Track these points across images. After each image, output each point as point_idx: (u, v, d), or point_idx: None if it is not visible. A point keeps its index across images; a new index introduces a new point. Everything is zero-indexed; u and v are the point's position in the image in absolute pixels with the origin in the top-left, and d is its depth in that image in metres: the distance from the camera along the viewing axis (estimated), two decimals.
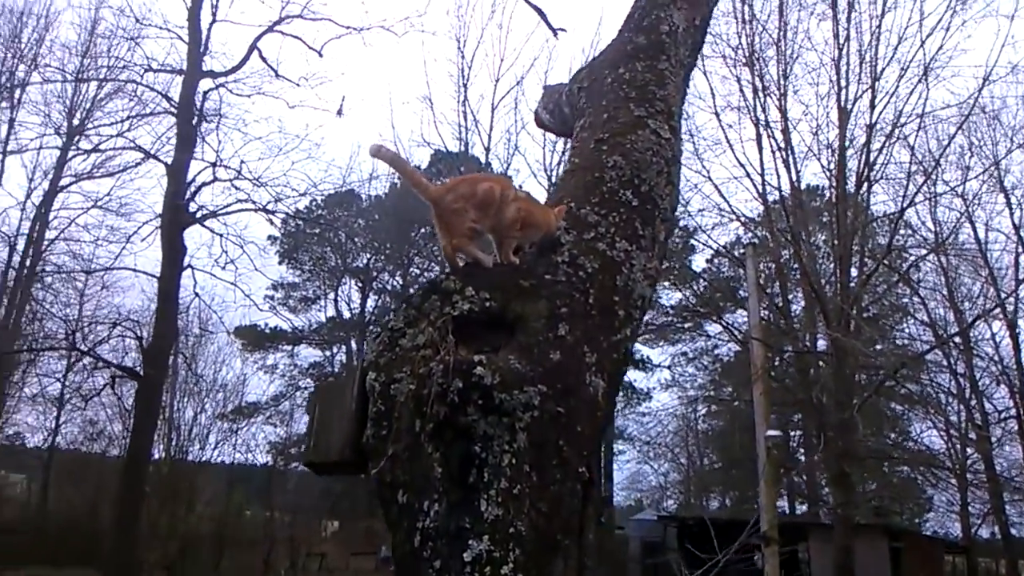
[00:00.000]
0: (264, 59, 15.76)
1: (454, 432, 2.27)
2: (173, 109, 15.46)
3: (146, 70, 16.55)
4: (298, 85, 16.01)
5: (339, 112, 15.18)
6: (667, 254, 3.25)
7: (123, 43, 17.19)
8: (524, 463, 2.26)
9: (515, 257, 2.75)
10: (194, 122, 15.08)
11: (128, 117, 18.39)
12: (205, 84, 15.09)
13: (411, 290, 2.54)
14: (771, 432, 16.15)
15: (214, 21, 15.66)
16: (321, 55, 15.76)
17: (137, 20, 15.24)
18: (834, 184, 17.61)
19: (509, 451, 2.26)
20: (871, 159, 17.20)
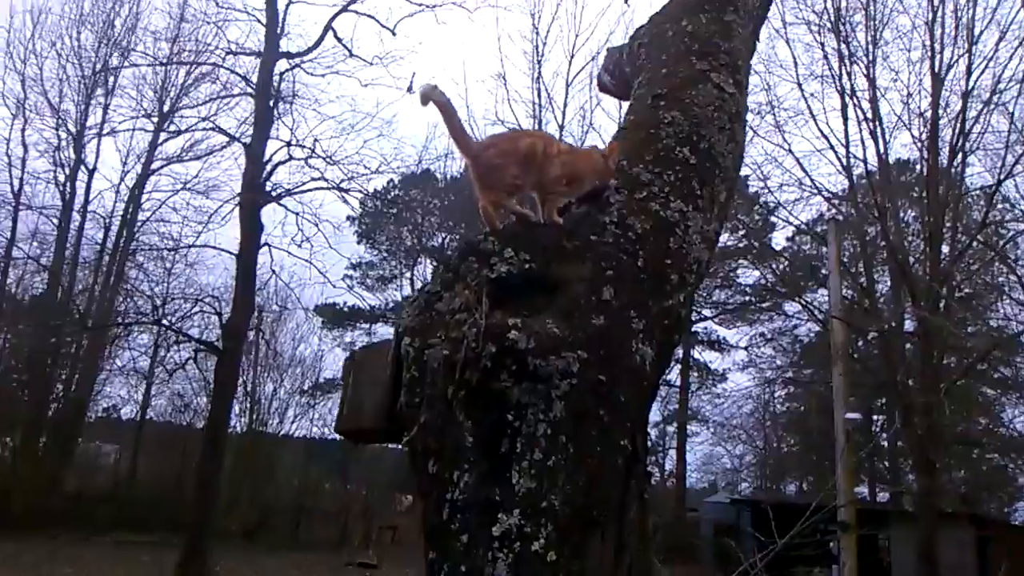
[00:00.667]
0: (339, 39, 15.92)
1: (487, 399, 2.13)
2: (251, 91, 15.77)
3: (227, 53, 16.94)
4: (371, 64, 16.10)
5: (409, 89, 15.18)
6: (728, 215, 3.02)
7: (207, 28, 17.62)
8: (561, 434, 2.10)
9: (559, 218, 2.58)
10: (271, 103, 15.35)
11: (210, 99, 18.91)
12: (281, 65, 15.36)
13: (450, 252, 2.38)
14: (851, 415, 15.53)
15: (290, 2, 15.86)
16: (395, 33, 15.80)
17: (218, 5, 15.56)
18: (926, 156, 16.66)
19: (544, 420, 2.11)
20: (966, 128, 16.20)
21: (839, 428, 15.52)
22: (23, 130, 24.01)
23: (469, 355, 2.16)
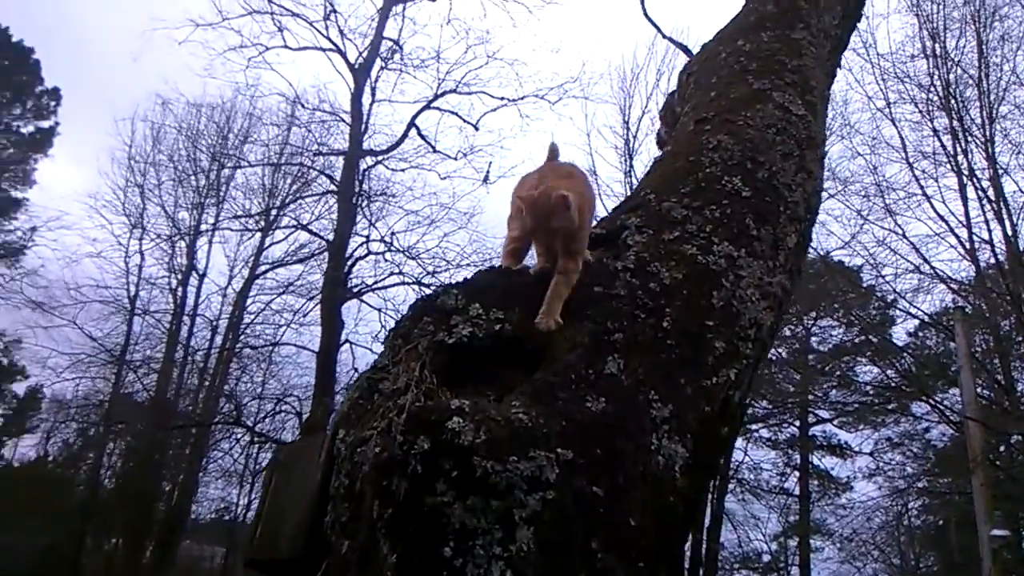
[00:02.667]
0: (422, 135, 16.10)
1: (417, 522, 1.42)
2: (335, 188, 16.08)
3: (315, 154, 17.42)
4: (455, 159, 16.17)
5: (485, 179, 15.04)
6: (802, 267, 2.26)
7: (297, 132, 18.31)
8: None
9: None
10: (353, 200, 15.55)
11: (294, 199, 19.47)
12: (365, 162, 15.71)
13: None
14: (997, 532, 13.46)
15: (373, 101, 16.25)
16: (477, 128, 15.84)
17: (303, 106, 16.15)
18: None
19: (502, 557, 1.37)
20: None
21: (984, 546, 13.47)
22: (140, 239, 25.46)
23: (396, 454, 1.47)
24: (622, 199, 2.25)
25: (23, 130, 28.75)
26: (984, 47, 16.50)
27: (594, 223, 2.10)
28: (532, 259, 1.93)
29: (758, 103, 2.45)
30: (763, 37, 2.82)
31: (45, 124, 28.75)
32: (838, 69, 3.13)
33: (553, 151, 2.11)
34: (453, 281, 1.91)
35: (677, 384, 1.72)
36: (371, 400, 1.72)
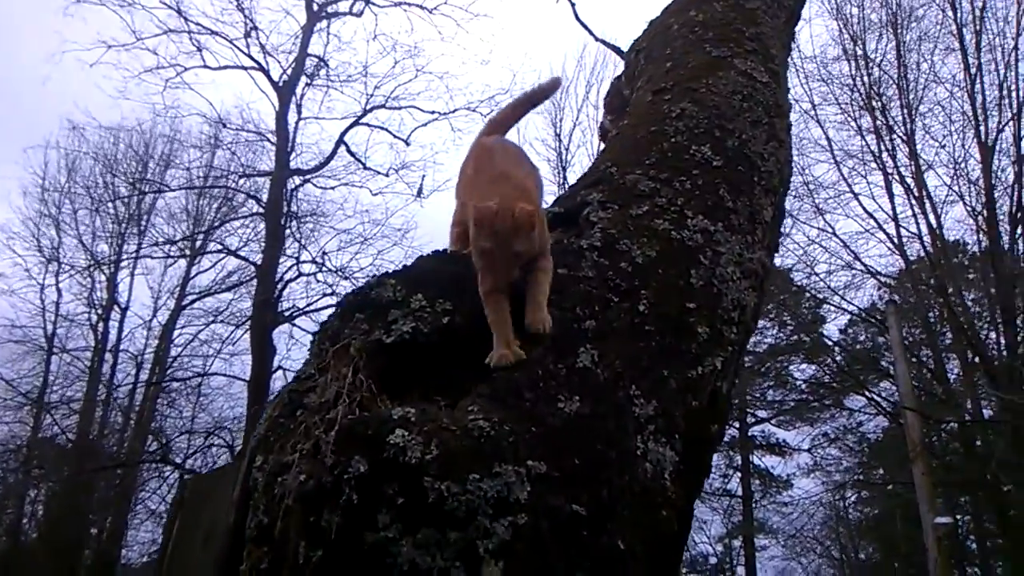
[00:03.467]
0: (351, 152, 15.64)
1: (355, 566, 1.12)
2: (262, 210, 15.48)
3: (240, 176, 16.77)
4: (387, 175, 15.75)
5: (419, 194, 14.65)
6: (778, 244, 2.04)
7: (220, 154, 17.60)
8: None
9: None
10: (282, 221, 14.98)
11: (220, 223, 18.70)
12: (292, 182, 15.14)
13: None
14: (940, 520, 13.64)
15: (299, 119, 15.72)
16: (408, 143, 15.48)
17: (224, 125, 15.50)
18: (984, 228, 15.41)
19: None
20: None
21: (928, 535, 13.64)
22: (57, 274, 24.09)
23: (325, 481, 1.17)
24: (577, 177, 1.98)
25: None
26: (902, 48, 17.00)
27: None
28: None
29: (719, 70, 2.24)
30: (716, 7, 2.61)
31: None
32: (792, 42, 2.95)
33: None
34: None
35: (660, 376, 1.46)
36: (294, 418, 1.40)
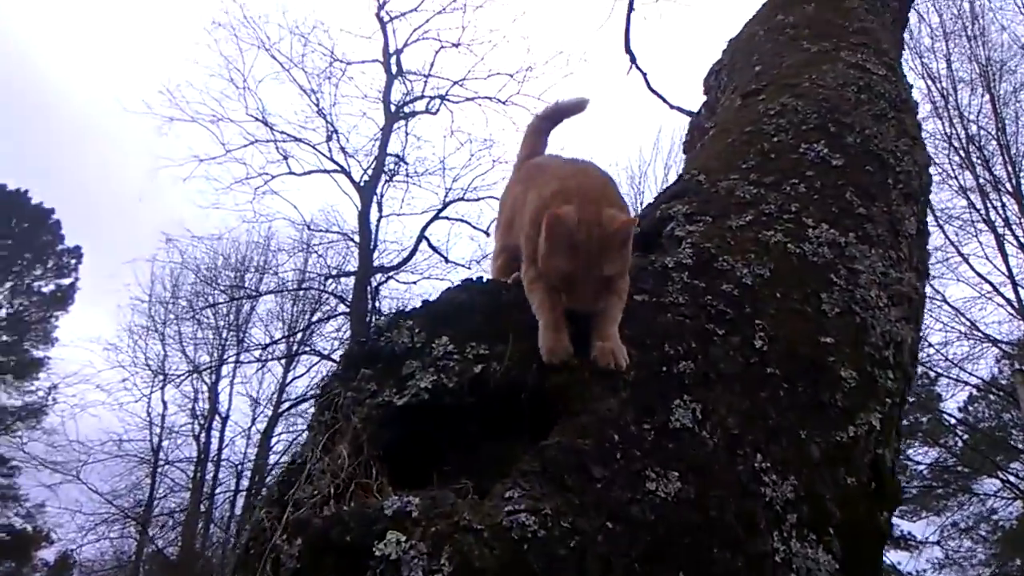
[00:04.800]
0: (432, 246, 15.67)
1: None
2: (347, 308, 15.56)
3: (326, 278, 16.99)
4: (468, 267, 15.66)
5: None
6: (927, 262, 1.54)
7: (312, 259, 17.99)
8: None
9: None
10: (368, 319, 14.98)
11: (308, 326, 18.92)
12: (376, 278, 15.27)
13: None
14: None
15: (381, 216, 15.91)
16: (488, 234, 15.39)
17: (309, 228, 15.84)
18: None
19: None
20: None
21: None
22: (163, 388, 24.89)
23: None
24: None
25: (44, 289, 28.90)
26: (997, 102, 16.08)
27: None
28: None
29: (824, 64, 1.82)
30: (807, 9, 2.21)
31: (66, 281, 28.92)
32: (902, 46, 2.51)
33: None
34: None
35: (796, 440, 0.99)
36: (280, 519, 0.99)
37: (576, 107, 1.52)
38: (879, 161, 1.51)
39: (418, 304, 1.13)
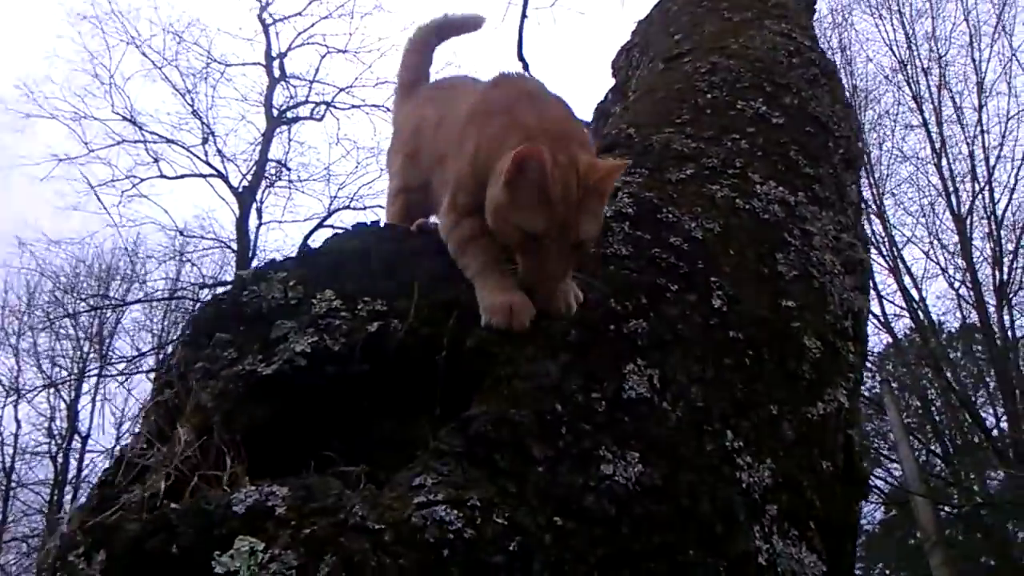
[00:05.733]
0: None
1: None
2: None
3: (200, 287, 16.11)
4: None
5: None
6: (867, 244, 1.42)
7: (184, 266, 17.00)
8: None
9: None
10: None
11: (181, 336, 17.91)
12: None
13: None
14: None
15: (260, 223, 15.23)
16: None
17: (182, 234, 14.93)
18: (970, 299, 15.06)
19: None
20: (1004, 266, 14.80)
21: None
22: (16, 405, 22.84)
23: None
24: None
25: None
26: (862, 129, 17.10)
27: None
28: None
29: (749, 30, 1.69)
30: None
31: None
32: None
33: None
34: None
35: (768, 417, 0.81)
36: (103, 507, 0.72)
37: (470, 24, 1.29)
38: (819, 123, 1.38)
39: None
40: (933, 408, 17.48)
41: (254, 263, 15.38)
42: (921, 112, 16.85)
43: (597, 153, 1.19)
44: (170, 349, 0.91)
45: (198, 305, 0.95)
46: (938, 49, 15.96)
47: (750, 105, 1.34)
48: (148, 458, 0.78)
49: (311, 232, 15.47)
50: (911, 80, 17.13)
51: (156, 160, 14.42)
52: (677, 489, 0.66)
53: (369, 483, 0.59)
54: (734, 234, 1.02)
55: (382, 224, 0.94)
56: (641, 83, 1.68)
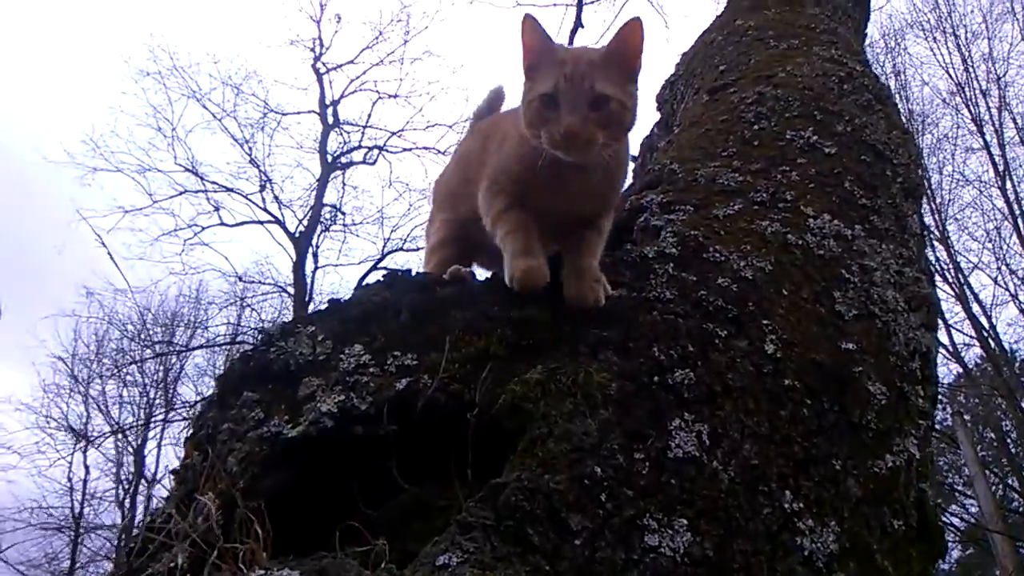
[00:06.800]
0: None
1: None
2: None
3: (259, 332, 16.40)
4: None
5: None
6: (933, 277, 1.34)
7: (242, 311, 17.37)
8: None
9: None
10: None
11: None
12: None
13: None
14: None
15: (316, 267, 15.52)
16: None
17: (241, 279, 15.28)
18: None
19: None
20: None
21: None
22: (85, 451, 23.52)
23: None
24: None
25: None
26: (920, 154, 16.67)
27: None
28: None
29: (798, 58, 1.63)
30: (768, 15, 2.05)
31: None
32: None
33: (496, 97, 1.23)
34: None
35: (831, 474, 0.74)
36: None
37: (495, 98, 1.29)
38: (874, 151, 1.31)
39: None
40: (1009, 440, 16.70)
41: (311, 307, 15.68)
42: (982, 134, 16.33)
43: (640, 191, 1.15)
44: (199, 409, 0.89)
45: (234, 360, 0.94)
46: (996, 70, 15.55)
47: (800, 135, 1.27)
48: (175, 526, 0.75)
49: (366, 274, 15.65)
50: (970, 102, 16.68)
51: (216, 208, 14.84)
52: (731, 560, 0.60)
53: (390, 563, 0.54)
54: (787, 272, 0.96)
55: (414, 272, 0.90)
56: (685, 116, 1.64)
